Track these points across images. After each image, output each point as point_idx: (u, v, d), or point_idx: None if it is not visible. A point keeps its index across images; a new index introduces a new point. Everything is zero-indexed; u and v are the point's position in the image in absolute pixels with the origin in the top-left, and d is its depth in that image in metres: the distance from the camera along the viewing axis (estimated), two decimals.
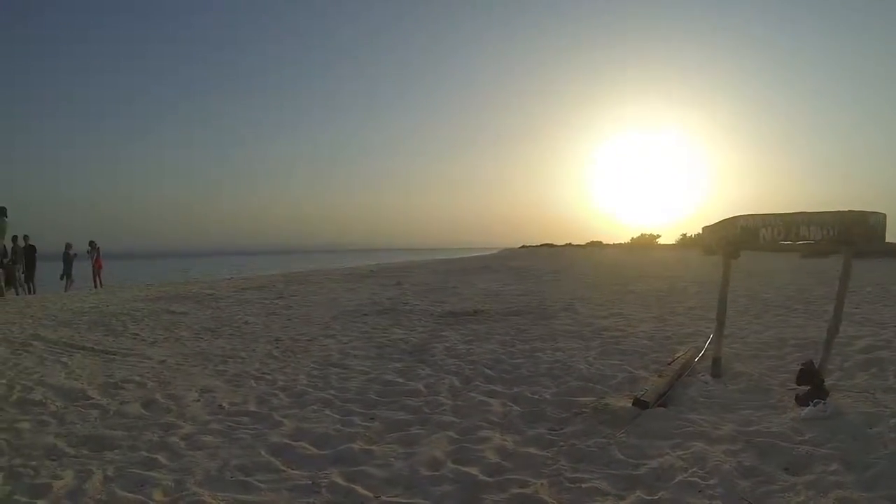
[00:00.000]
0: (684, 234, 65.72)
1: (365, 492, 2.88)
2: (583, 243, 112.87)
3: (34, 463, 3.35)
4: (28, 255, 16.24)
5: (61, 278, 18.05)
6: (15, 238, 15.57)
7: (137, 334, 7.85)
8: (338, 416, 4.06)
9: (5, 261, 14.58)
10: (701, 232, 4.96)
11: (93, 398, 4.67)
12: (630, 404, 3.89)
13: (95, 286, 18.08)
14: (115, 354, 6.49)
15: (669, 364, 4.89)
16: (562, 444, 3.39)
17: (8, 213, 13.32)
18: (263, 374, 5.43)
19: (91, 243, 18.64)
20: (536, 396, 4.35)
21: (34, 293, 15.92)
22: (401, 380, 5.04)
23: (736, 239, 4.35)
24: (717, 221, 4.66)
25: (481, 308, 9.73)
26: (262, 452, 3.38)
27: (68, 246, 18.18)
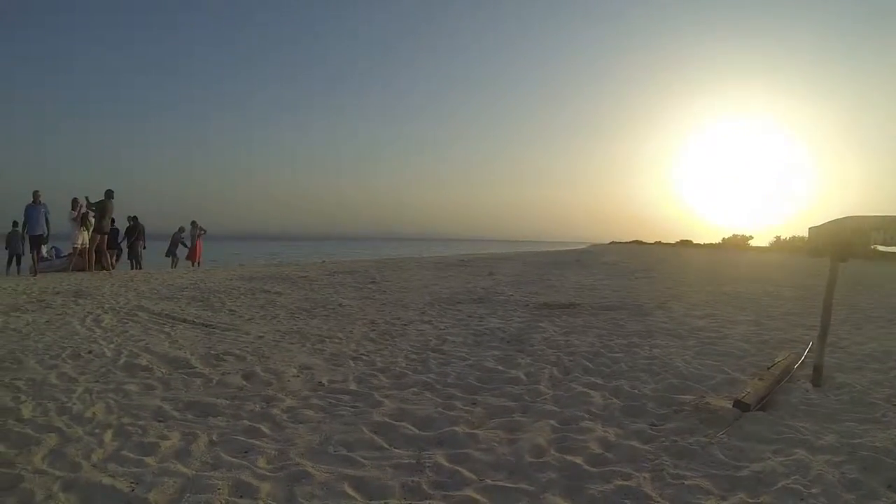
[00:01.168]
0: (778, 237, 62.36)
1: (469, 474, 2.85)
2: (672, 242, 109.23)
3: (142, 423, 3.53)
4: (130, 233, 17.56)
5: (167, 255, 19.36)
6: (134, 218, 17.51)
7: (234, 311, 8.17)
8: (439, 400, 4.07)
9: (126, 240, 16.80)
10: (807, 233, 4.62)
11: (195, 367, 4.90)
12: (730, 405, 3.79)
13: (193, 264, 18.99)
14: (214, 328, 6.80)
15: (769, 368, 4.67)
16: (663, 439, 3.33)
17: (114, 195, 14.31)
18: (361, 355, 5.53)
19: (193, 223, 19.59)
20: (636, 391, 4.30)
21: (140, 268, 16.97)
22: (500, 367, 5.02)
23: (845, 241, 4.11)
24: (825, 222, 4.36)
25: (576, 301, 9.57)
26: (365, 430, 3.42)
27: (181, 229, 19.53)
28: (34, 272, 13.46)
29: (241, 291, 10.33)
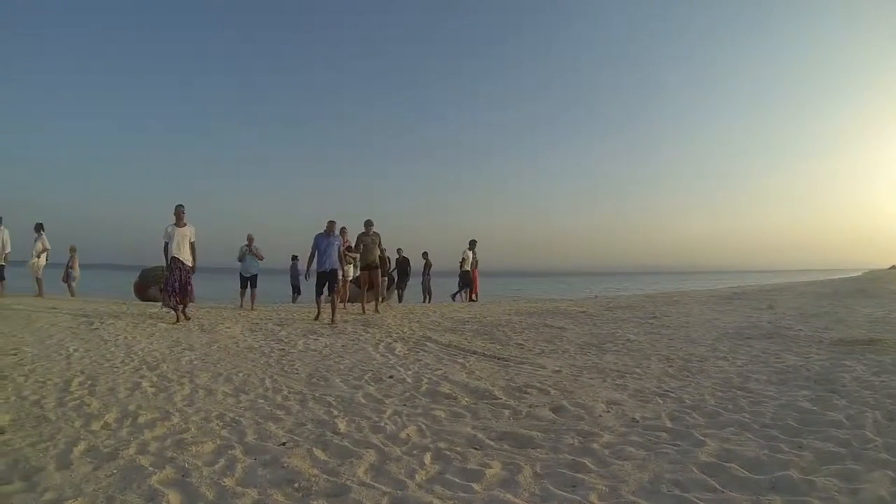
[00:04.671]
0: None
1: None
2: None
3: (459, 449, 3.70)
4: (400, 267, 19.33)
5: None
6: (399, 250, 19.15)
7: (522, 344, 8.34)
8: (762, 441, 3.79)
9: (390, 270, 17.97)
10: None
11: (500, 398, 5.07)
12: None
13: (470, 298, 19.92)
14: (507, 361, 7.01)
15: None
16: None
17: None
18: (666, 391, 5.34)
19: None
20: None
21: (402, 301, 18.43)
22: (816, 408, 4.55)
23: None
24: None
25: (876, 337, 8.20)
26: (694, 469, 3.26)
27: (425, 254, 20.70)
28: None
29: (523, 326, 10.57)
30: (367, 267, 13.68)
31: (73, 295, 17.53)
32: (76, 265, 18.15)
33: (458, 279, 19.07)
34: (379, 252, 13.92)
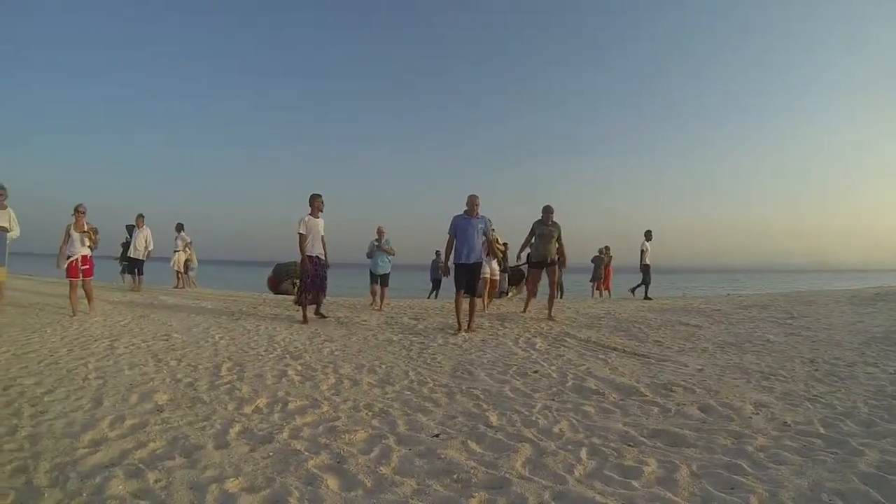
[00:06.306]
0: None
1: None
2: None
3: (613, 445, 3.76)
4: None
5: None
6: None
7: (660, 341, 8.26)
8: None
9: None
10: None
11: (646, 395, 5.09)
12: None
13: (601, 293, 19.72)
14: (648, 358, 6.98)
15: None
16: None
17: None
18: (815, 396, 5.13)
19: (602, 249, 20.28)
20: None
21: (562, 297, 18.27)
22: None
23: None
24: None
25: None
26: (855, 479, 3.14)
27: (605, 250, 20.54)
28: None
29: (658, 323, 10.40)
30: (539, 264, 11.01)
31: (194, 286, 18.67)
32: (194, 257, 18.94)
33: (640, 274, 17.54)
34: (558, 246, 11.01)
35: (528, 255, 11.26)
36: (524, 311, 11.92)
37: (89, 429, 3.99)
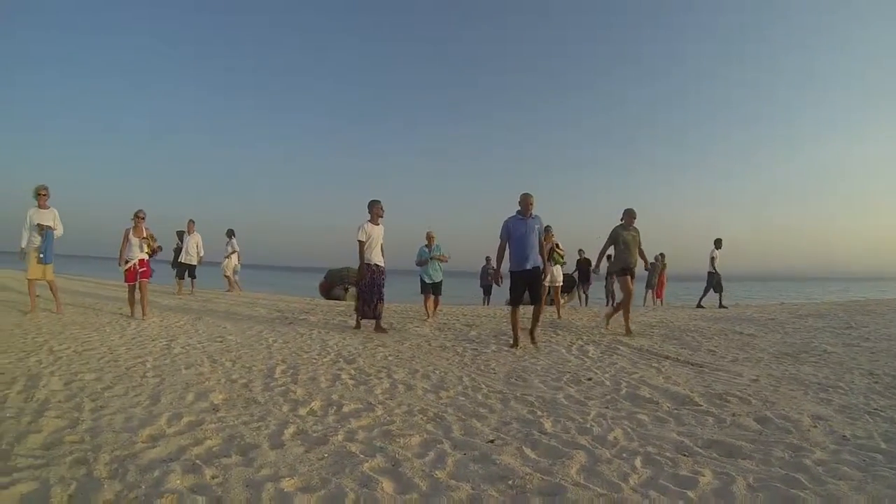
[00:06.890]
0: None
1: None
2: None
3: (668, 455, 3.77)
4: (581, 268, 19.43)
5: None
6: (580, 251, 19.49)
7: (713, 350, 8.18)
8: None
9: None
10: None
11: (701, 405, 5.05)
12: None
13: (653, 302, 19.51)
14: (702, 367, 6.92)
15: None
16: None
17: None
18: (875, 409, 4.99)
19: (658, 256, 20.02)
20: None
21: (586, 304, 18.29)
22: None
23: None
24: None
25: None
26: None
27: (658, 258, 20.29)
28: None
29: (712, 332, 10.27)
30: (624, 270, 10.08)
31: (240, 289, 18.80)
32: (238, 258, 18.96)
33: (709, 280, 17.24)
34: (639, 253, 10.29)
35: (610, 263, 11.00)
36: (607, 325, 10.97)
37: (147, 424, 4.17)
